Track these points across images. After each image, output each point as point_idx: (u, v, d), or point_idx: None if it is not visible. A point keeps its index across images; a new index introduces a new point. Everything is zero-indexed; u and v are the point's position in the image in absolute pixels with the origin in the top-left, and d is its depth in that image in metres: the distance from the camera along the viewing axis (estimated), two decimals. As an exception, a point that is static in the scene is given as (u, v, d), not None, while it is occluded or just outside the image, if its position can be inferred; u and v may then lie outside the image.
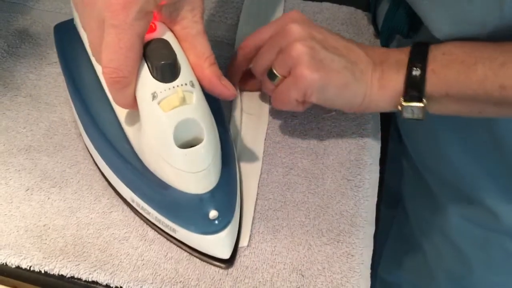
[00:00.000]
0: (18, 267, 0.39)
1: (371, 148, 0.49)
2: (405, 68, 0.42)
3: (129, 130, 0.42)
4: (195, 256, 0.41)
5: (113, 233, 0.41)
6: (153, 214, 0.40)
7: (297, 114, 0.52)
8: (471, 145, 0.52)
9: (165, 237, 0.41)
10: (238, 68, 0.50)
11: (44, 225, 0.41)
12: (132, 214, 0.43)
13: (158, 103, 0.36)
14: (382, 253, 0.75)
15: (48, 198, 0.43)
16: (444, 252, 0.62)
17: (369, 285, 0.41)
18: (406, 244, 0.69)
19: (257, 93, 0.53)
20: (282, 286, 0.40)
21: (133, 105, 0.38)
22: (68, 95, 0.47)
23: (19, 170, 0.45)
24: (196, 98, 0.37)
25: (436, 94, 0.42)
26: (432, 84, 0.41)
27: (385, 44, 0.57)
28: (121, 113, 0.42)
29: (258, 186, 0.46)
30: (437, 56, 0.42)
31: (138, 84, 0.37)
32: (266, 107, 0.52)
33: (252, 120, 0.51)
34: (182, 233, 0.40)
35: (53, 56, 0.54)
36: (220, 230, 0.39)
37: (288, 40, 0.43)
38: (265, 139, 0.49)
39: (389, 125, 0.55)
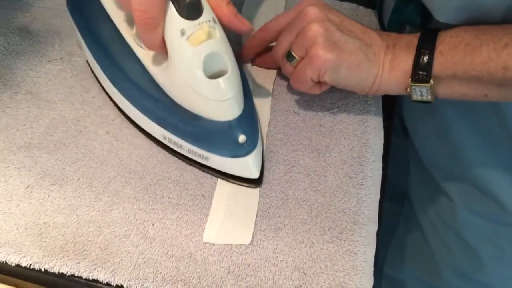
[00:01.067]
0: (18, 265, 0.39)
1: (374, 145, 0.49)
2: (415, 50, 0.43)
3: (155, 71, 0.44)
4: (227, 180, 0.45)
5: (113, 231, 0.41)
6: (185, 147, 0.44)
7: (299, 110, 0.51)
8: (482, 137, 0.52)
9: (198, 168, 0.45)
10: (253, 49, 0.52)
11: (44, 223, 0.41)
12: (133, 212, 0.42)
13: (187, 39, 0.40)
14: (388, 250, 0.75)
15: (48, 196, 0.43)
16: (453, 248, 0.61)
17: (372, 283, 0.40)
18: (412, 240, 0.68)
19: (257, 91, 0.52)
20: (284, 284, 0.40)
21: (162, 45, 0.41)
22: (68, 91, 0.46)
23: (19, 168, 0.44)
24: (219, 33, 0.41)
25: (443, 75, 0.43)
26: (439, 65, 0.42)
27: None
28: (146, 56, 0.45)
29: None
30: (445, 39, 0.43)
31: (167, 24, 0.40)
32: (267, 105, 0.51)
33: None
34: (215, 160, 0.44)
35: (53, 53, 0.53)
36: (249, 152, 0.44)
37: (305, 22, 0.45)
38: (266, 137, 0.49)
39: (392, 121, 0.54)
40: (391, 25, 0.55)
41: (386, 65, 0.45)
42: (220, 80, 0.41)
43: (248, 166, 0.44)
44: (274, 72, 0.54)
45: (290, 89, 0.53)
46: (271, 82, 0.53)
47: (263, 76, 0.54)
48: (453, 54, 0.42)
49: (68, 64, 0.53)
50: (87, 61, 0.51)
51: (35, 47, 0.54)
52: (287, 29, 0.47)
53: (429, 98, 0.44)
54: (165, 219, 0.42)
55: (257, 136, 0.45)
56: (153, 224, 0.42)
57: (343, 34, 0.44)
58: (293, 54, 0.46)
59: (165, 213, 0.43)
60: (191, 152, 0.44)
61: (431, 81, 0.43)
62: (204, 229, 0.42)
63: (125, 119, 0.49)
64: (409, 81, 0.44)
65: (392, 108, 0.55)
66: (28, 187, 0.43)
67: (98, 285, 0.39)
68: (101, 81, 0.49)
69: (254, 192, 0.45)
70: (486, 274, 0.61)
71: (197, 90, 0.41)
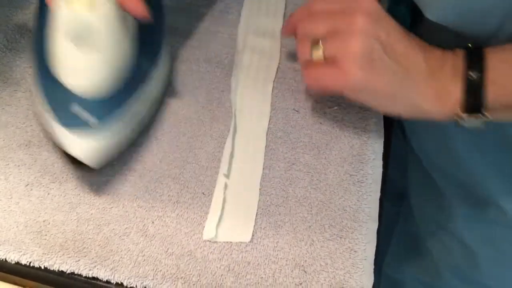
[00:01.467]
0: (17, 263, 0.39)
1: (374, 143, 0.49)
2: (462, 76, 0.40)
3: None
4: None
5: (113, 229, 0.41)
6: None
7: (299, 108, 0.51)
8: (481, 143, 0.51)
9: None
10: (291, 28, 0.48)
11: (44, 221, 0.41)
12: (133, 210, 0.42)
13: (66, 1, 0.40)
14: (387, 250, 0.74)
15: (48, 194, 0.43)
16: (451, 249, 0.61)
17: (372, 281, 0.40)
18: (411, 241, 0.68)
19: (256, 89, 0.52)
20: (285, 282, 0.40)
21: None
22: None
23: (18, 166, 0.44)
24: (105, 9, 0.40)
25: (498, 105, 0.39)
26: (493, 94, 0.39)
27: None
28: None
29: (260, 182, 0.45)
30: (495, 64, 0.39)
31: None
32: (267, 103, 0.51)
33: (253, 115, 0.50)
34: (53, 127, 0.41)
35: (53, 51, 0.53)
36: (84, 128, 0.40)
37: (350, 28, 0.40)
38: (267, 134, 0.49)
39: (392, 120, 0.54)
40: None
41: (429, 93, 0.41)
42: (82, 48, 0.40)
43: (76, 143, 0.41)
44: (274, 70, 0.54)
45: (290, 87, 0.53)
46: (271, 80, 0.53)
47: (263, 75, 0.54)
48: (508, 83, 0.39)
49: (67, 62, 0.53)
50: None
51: (34, 45, 0.54)
52: (328, 16, 0.42)
53: (479, 126, 0.40)
54: (165, 217, 0.42)
55: (107, 119, 0.42)
56: (153, 222, 0.42)
57: (384, 54, 0.40)
58: (320, 48, 0.42)
59: (165, 211, 0.43)
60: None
61: (484, 112, 0.39)
62: (204, 227, 0.42)
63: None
64: (459, 111, 0.40)
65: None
66: (28, 185, 0.43)
67: (98, 282, 0.39)
68: None
69: (254, 190, 0.44)
70: (486, 276, 0.61)
71: (56, 50, 0.41)
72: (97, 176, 0.44)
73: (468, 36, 0.42)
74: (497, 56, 0.40)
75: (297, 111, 0.51)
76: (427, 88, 0.41)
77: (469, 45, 0.41)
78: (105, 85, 0.41)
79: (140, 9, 0.42)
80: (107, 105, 0.42)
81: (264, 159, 0.47)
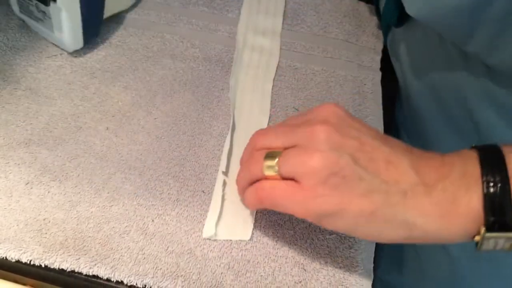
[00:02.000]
0: (18, 261, 0.39)
1: (374, 141, 0.49)
2: (479, 184, 0.32)
3: None
4: None
5: (113, 227, 0.41)
6: None
7: (299, 106, 0.51)
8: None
9: None
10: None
11: (44, 219, 0.41)
12: (133, 208, 0.42)
13: None
14: (382, 255, 0.74)
15: (48, 192, 0.43)
16: (438, 260, 0.60)
17: (372, 279, 0.40)
18: (403, 249, 0.67)
19: (256, 87, 0.52)
20: (284, 280, 0.40)
21: None
22: (67, 87, 0.46)
23: (18, 164, 0.44)
24: None
25: None
26: None
27: (385, 36, 0.56)
28: None
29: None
30: None
31: None
32: (267, 101, 0.51)
33: (253, 113, 0.50)
34: None
35: (53, 49, 0.53)
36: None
37: (310, 141, 0.34)
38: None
39: (394, 117, 0.54)
40: (382, 22, 0.55)
41: (430, 210, 0.32)
42: None
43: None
44: (274, 68, 0.54)
45: (290, 85, 0.53)
46: (270, 78, 0.53)
47: (263, 73, 0.54)
48: None
49: (67, 60, 0.53)
50: None
51: (34, 43, 0.54)
52: (285, 130, 0.36)
53: (506, 247, 0.32)
54: (165, 215, 0.42)
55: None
56: (153, 220, 0.42)
57: (357, 167, 0.33)
58: (275, 162, 0.35)
59: (165, 209, 0.43)
60: None
61: None
62: (204, 225, 0.42)
63: (125, 115, 0.49)
64: (482, 230, 0.31)
65: (393, 105, 0.55)
66: (28, 183, 0.43)
67: (98, 280, 0.39)
68: None
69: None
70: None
71: None
72: (97, 174, 0.44)
73: (447, 35, 0.41)
74: None
75: (296, 109, 0.51)
76: (426, 203, 0.33)
77: (483, 145, 0.34)
78: None
79: None
80: None
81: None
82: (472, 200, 0.32)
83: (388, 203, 0.33)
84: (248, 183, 0.38)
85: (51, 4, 0.48)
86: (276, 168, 0.35)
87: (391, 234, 0.34)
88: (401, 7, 0.46)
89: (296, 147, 0.35)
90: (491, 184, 0.31)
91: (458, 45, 0.41)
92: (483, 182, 0.31)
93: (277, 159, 0.35)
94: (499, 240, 0.32)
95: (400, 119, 0.61)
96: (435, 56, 0.49)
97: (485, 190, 0.31)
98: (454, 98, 0.47)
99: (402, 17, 0.49)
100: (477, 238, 0.32)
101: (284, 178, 0.35)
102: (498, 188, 0.31)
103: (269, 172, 0.35)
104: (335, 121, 0.35)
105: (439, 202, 0.32)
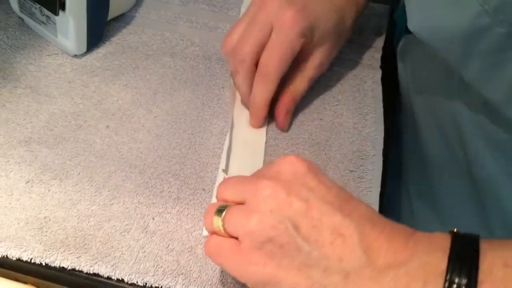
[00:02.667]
0: (19, 260, 0.39)
1: (374, 139, 0.49)
2: (441, 281, 0.27)
3: None
4: None
5: (114, 225, 0.41)
6: None
7: (299, 105, 0.51)
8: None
9: None
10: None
11: (44, 218, 0.41)
12: (133, 206, 0.42)
13: None
14: None
15: (49, 190, 0.43)
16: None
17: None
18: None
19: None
20: (285, 278, 0.40)
21: None
22: (68, 85, 0.46)
23: (19, 162, 0.44)
24: None
25: None
26: None
27: (398, 40, 0.55)
28: None
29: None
30: (494, 268, 0.27)
31: None
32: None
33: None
34: None
35: (53, 47, 0.53)
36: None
37: (253, 202, 0.32)
38: (266, 130, 0.49)
39: (394, 116, 0.54)
40: (394, 28, 0.54)
41: None
42: None
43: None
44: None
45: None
46: None
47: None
48: None
49: (67, 59, 0.53)
50: None
51: (34, 41, 0.54)
52: (239, 181, 0.34)
53: None
54: (166, 213, 0.42)
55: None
56: (153, 218, 0.42)
57: (297, 235, 0.29)
58: (221, 217, 0.33)
59: (165, 207, 0.43)
60: None
61: None
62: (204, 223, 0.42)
63: (125, 113, 0.49)
64: None
65: (393, 102, 0.55)
66: (28, 181, 0.43)
67: (99, 279, 0.39)
68: None
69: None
70: None
71: None
72: (97, 172, 0.44)
73: (443, 55, 0.41)
74: (498, 253, 0.27)
75: (296, 107, 0.51)
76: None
77: (455, 231, 0.30)
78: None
79: (283, 124, 0.46)
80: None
81: (264, 155, 0.47)
82: None
83: (325, 282, 0.29)
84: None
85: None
86: (222, 224, 0.33)
87: None
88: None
89: (243, 205, 0.32)
90: (454, 285, 0.27)
91: (454, 69, 0.41)
92: (445, 283, 0.27)
93: (223, 215, 0.33)
94: None
95: (402, 122, 0.60)
96: (437, 73, 0.49)
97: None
98: (450, 117, 0.47)
99: None
100: None
101: (231, 236, 0.33)
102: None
103: (217, 228, 0.33)
104: (287, 177, 0.32)
105: None
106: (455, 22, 0.35)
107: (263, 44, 0.45)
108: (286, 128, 0.48)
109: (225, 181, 0.36)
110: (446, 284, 0.27)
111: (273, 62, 0.44)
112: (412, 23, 0.40)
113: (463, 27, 0.35)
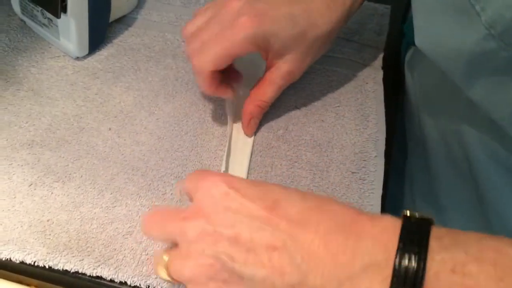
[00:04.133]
0: (22, 262, 0.39)
1: (376, 141, 0.49)
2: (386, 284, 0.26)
3: None
4: None
5: (116, 228, 0.41)
6: None
7: (301, 105, 0.51)
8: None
9: None
10: None
11: (47, 220, 0.41)
12: (136, 208, 0.43)
13: None
14: None
15: (51, 193, 0.43)
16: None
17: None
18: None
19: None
20: (287, 280, 0.40)
21: None
22: (70, 88, 0.47)
23: (22, 165, 0.44)
24: None
25: None
26: None
27: (405, 49, 0.55)
28: None
29: (263, 179, 0.45)
30: (440, 275, 0.25)
31: None
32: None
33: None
34: None
35: (55, 50, 0.53)
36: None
37: (184, 245, 0.32)
38: (268, 132, 0.49)
39: (395, 116, 0.54)
40: (405, 38, 0.54)
41: None
42: None
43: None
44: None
45: (292, 84, 0.53)
46: None
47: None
48: None
49: (69, 61, 0.53)
50: None
51: (36, 44, 0.54)
52: (163, 221, 0.34)
53: None
54: (168, 216, 0.42)
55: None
56: (156, 221, 0.42)
57: (235, 264, 0.29)
58: (165, 268, 0.33)
59: (167, 209, 0.43)
60: None
61: None
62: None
63: (127, 115, 0.49)
64: None
65: (395, 103, 0.55)
66: (31, 184, 0.43)
67: (102, 281, 0.39)
68: None
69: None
70: None
71: None
72: (100, 175, 0.44)
73: (447, 73, 0.41)
74: (448, 257, 0.25)
75: (298, 108, 0.51)
76: None
77: (407, 215, 0.28)
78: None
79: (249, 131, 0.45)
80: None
81: (266, 157, 0.47)
82: None
83: None
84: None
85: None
86: (168, 274, 0.33)
87: None
88: None
89: (176, 248, 0.33)
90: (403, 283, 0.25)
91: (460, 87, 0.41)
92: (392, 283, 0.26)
93: (165, 264, 0.33)
94: None
95: (407, 128, 0.60)
96: (443, 86, 0.49)
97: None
98: (455, 130, 0.47)
99: None
100: None
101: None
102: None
103: (166, 278, 0.34)
104: (208, 209, 0.31)
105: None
106: (461, 43, 0.35)
107: None
108: (250, 135, 0.48)
109: (148, 217, 0.35)
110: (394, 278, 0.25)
111: (207, 57, 0.43)
112: (419, 39, 0.40)
113: (469, 48, 0.35)
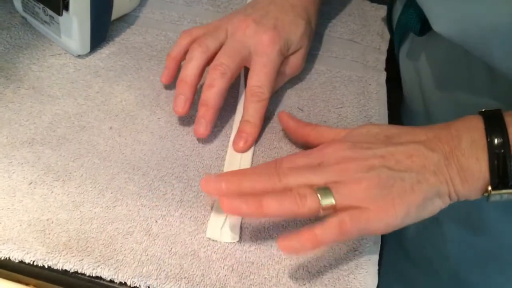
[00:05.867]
0: (21, 262, 0.39)
1: (379, 142, 0.48)
2: (485, 153, 0.37)
3: None
4: None
5: (117, 228, 0.41)
6: None
7: (303, 107, 0.51)
8: None
9: None
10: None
11: (47, 219, 0.41)
12: (136, 208, 0.42)
13: None
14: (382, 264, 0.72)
15: (52, 192, 0.43)
16: (442, 273, 0.59)
17: (376, 282, 0.40)
18: (404, 258, 0.66)
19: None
20: (288, 282, 0.40)
21: None
22: (71, 86, 0.46)
23: (22, 164, 0.44)
24: None
25: None
26: None
27: (399, 42, 0.55)
28: None
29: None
30: None
31: None
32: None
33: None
34: None
35: (56, 47, 0.53)
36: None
37: (346, 177, 0.38)
38: (270, 133, 0.49)
39: (397, 118, 0.54)
40: (397, 29, 0.54)
41: (455, 178, 0.38)
42: None
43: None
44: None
45: (294, 85, 0.53)
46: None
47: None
48: None
49: (71, 59, 0.52)
50: None
51: (37, 41, 0.53)
52: (315, 168, 0.40)
53: (510, 198, 0.39)
54: (169, 216, 0.42)
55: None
56: (156, 221, 0.42)
57: (394, 172, 0.38)
58: (331, 194, 0.38)
59: (168, 210, 0.42)
60: None
61: None
62: (207, 225, 0.42)
63: (128, 114, 0.48)
64: (489, 189, 0.38)
65: (398, 105, 0.55)
66: (31, 183, 0.43)
67: (102, 282, 0.39)
68: None
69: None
70: None
71: None
72: (100, 174, 0.44)
73: (477, 54, 0.42)
74: None
75: (301, 109, 0.51)
76: (449, 175, 0.38)
77: (483, 111, 0.39)
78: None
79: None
80: None
81: (268, 157, 0.47)
82: (482, 168, 0.38)
83: (428, 185, 0.38)
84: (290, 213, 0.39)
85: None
86: (333, 201, 0.38)
87: (433, 209, 0.39)
88: (424, 16, 0.46)
89: (339, 184, 0.38)
90: (496, 152, 0.37)
91: (487, 63, 0.41)
92: (488, 152, 0.37)
93: (329, 191, 0.38)
94: (503, 195, 0.38)
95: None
96: (461, 72, 0.49)
97: (490, 160, 0.37)
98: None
99: (423, 27, 0.48)
100: (485, 194, 0.38)
101: (340, 209, 0.38)
102: (501, 155, 0.37)
103: (328, 205, 0.38)
104: (349, 152, 0.39)
105: (458, 171, 0.38)
106: (492, 21, 0.38)
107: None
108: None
109: (295, 162, 0.41)
110: (490, 154, 0.37)
111: (265, 82, 0.47)
112: (439, 26, 0.42)
113: (502, 23, 0.37)
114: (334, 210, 0.38)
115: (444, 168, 0.38)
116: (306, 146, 0.46)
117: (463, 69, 0.48)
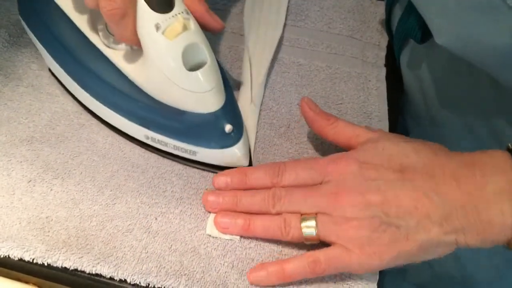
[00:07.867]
0: (20, 260, 0.39)
1: (379, 139, 0.48)
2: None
3: (130, 70, 0.43)
4: (215, 172, 0.44)
5: (116, 225, 0.41)
6: (170, 144, 0.43)
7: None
8: None
9: (184, 163, 0.45)
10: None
11: (46, 217, 0.41)
12: (136, 206, 0.42)
13: (163, 33, 0.39)
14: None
15: (51, 190, 0.42)
16: (453, 273, 0.58)
17: (377, 279, 0.40)
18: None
19: (259, 83, 0.52)
20: (288, 278, 0.39)
21: (134, 39, 0.39)
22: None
23: (21, 162, 0.44)
24: (193, 24, 0.40)
25: None
26: None
27: (399, 48, 0.55)
28: (118, 56, 0.43)
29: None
30: None
31: (139, 20, 0.39)
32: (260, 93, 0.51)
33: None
34: (203, 153, 0.43)
35: (55, 45, 0.53)
36: (237, 141, 0.43)
37: (339, 212, 0.37)
38: (270, 130, 0.48)
39: (397, 116, 0.54)
40: (397, 35, 0.53)
41: (469, 231, 0.35)
42: (201, 71, 0.40)
43: (237, 155, 0.43)
44: (267, 62, 0.53)
45: (294, 81, 0.53)
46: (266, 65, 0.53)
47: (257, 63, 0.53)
48: None
49: (70, 57, 0.52)
50: (49, 69, 0.50)
51: (36, 40, 0.53)
52: (309, 194, 0.39)
53: None
54: (168, 213, 0.42)
55: (241, 124, 0.44)
56: (156, 218, 0.42)
57: (389, 218, 0.35)
58: (313, 221, 0.37)
59: (168, 207, 0.42)
60: (177, 149, 0.43)
61: None
62: (207, 222, 0.42)
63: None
64: None
65: (397, 101, 0.55)
66: (30, 181, 0.43)
67: (101, 279, 0.39)
68: (70, 88, 0.47)
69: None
70: None
71: (179, 84, 0.40)
72: (100, 172, 0.44)
73: (480, 67, 0.41)
74: None
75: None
76: (460, 225, 0.35)
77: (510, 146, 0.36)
78: (223, 92, 0.43)
79: (219, 23, 0.44)
80: (230, 110, 0.43)
81: (268, 154, 0.47)
82: (506, 221, 0.33)
83: (428, 236, 0.35)
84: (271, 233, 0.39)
85: None
86: (314, 231, 0.37)
87: (434, 255, 0.37)
88: (425, 24, 0.45)
89: (328, 216, 0.37)
90: None
91: (490, 75, 0.41)
92: None
93: (315, 224, 0.37)
94: None
95: (410, 126, 0.60)
96: (463, 81, 0.48)
97: None
98: (484, 123, 0.47)
99: (424, 35, 0.47)
100: (506, 245, 0.35)
101: (321, 241, 0.38)
102: None
103: (309, 234, 0.38)
104: (351, 182, 0.37)
105: (475, 223, 0.34)
106: (494, 38, 0.36)
107: None
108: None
109: (290, 191, 0.39)
110: None
111: None
112: (442, 38, 0.41)
113: (503, 42, 0.36)
114: (318, 240, 0.38)
115: (455, 219, 0.35)
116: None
117: (465, 75, 0.48)
